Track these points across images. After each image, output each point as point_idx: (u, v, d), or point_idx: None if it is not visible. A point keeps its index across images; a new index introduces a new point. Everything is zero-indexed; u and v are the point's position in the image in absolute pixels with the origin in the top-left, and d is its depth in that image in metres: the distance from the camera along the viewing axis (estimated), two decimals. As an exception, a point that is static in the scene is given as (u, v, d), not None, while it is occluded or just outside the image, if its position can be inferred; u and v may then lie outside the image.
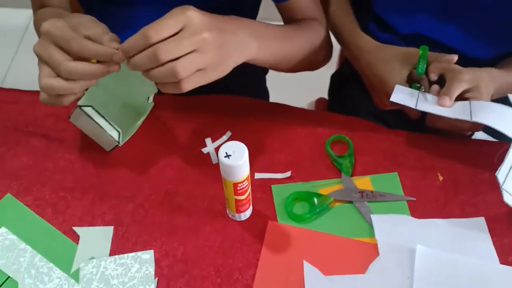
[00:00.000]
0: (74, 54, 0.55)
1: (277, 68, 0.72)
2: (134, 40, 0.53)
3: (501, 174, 0.58)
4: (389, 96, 0.67)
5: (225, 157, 0.52)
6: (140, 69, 0.54)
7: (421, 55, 0.67)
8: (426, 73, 0.68)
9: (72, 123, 0.64)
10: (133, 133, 0.67)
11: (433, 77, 0.67)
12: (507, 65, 0.73)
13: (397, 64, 0.70)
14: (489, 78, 0.67)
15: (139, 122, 0.68)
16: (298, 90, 1.37)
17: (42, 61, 0.57)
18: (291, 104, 0.76)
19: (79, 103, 0.62)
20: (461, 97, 0.65)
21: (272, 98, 1.03)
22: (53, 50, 0.56)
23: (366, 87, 0.79)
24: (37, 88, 0.59)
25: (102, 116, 0.63)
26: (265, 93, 1.01)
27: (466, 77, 0.65)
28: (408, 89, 0.68)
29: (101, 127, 0.63)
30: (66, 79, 0.56)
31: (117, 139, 0.64)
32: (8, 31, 1.93)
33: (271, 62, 0.67)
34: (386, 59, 0.71)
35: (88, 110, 0.62)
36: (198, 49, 0.53)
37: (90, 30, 0.56)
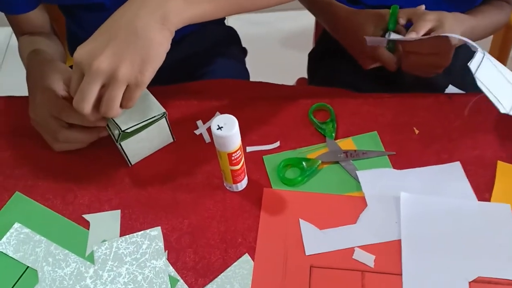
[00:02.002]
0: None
1: (239, 10, 0.61)
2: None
3: (473, 64, 0.63)
4: (368, 55, 0.72)
5: (217, 129, 0.57)
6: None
7: (391, 13, 0.73)
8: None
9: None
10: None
11: (401, 21, 0.72)
12: (473, 12, 0.78)
13: (371, 25, 0.75)
14: (454, 19, 0.71)
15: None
16: (278, 72, 1.42)
17: (40, 128, 0.68)
18: None
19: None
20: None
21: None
22: (48, 119, 0.65)
23: (346, 55, 0.85)
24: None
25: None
26: (245, 74, 1.06)
27: (431, 17, 0.70)
28: (379, 38, 0.74)
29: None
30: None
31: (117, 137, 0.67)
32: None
33: (206, 15, 0.57)
34: (361, 23, 0.76)
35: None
36: (106, 83, 0.53)
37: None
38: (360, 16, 0.78)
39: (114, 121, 0.64)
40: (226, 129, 0.57)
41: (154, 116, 0.65)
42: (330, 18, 0.84)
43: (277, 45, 1.90)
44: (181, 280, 0.60)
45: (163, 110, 0.66)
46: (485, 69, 0.63)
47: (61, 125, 0.66)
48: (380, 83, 0.88)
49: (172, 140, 0.72)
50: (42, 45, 0.78)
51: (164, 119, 0.67)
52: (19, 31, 0.82)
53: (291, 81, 1.34)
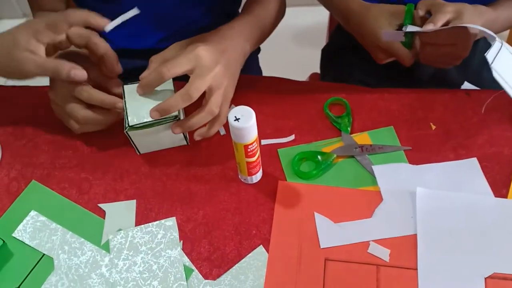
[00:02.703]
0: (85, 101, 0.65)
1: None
2: (150, 78, 0.63)
3: (490, 55, 0.61)
4: (382, 50, 0.72)
5: (235, 120, 0.57)
6: (175, 110, 0.63)
7: (407, 10, 0.72)
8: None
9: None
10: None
11: (420, 13, 0.71)
12: (494, 5, 0.77)
13: (385, 21, 0.74)
14: (475, 11, 0.70)
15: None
16: (290, 67, 1.42)
17: (60, 109, 0.69)
18: None
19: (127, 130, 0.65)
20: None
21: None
22: (68, 99, 0.66)
23: (361, 52, 0.84)
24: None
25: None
26: (258, 71, 1.06)
27: (450, 9, 0.69)
28: (396, 31, 0.72)
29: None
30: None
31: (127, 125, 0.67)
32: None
33: (256, 46, 0.78)
34: (375, 18, 0.75)
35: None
36: (215, 85, 0.63)
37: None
38: (375, 11, 0.77)
39: (126, 111, 0.65)
40: (244, 120, 0.57)
41: (166, 118, 0.65)
42: (343, 11, 0.83)
43: (290, 41, 1.90)
44: (196, 270, 0.61)
45: (176, 113, 0.65)
46: (503, 60, 0.62)
47: (81, 105, 0.66)
48: (394, 80, 0.88)
49: (185, 143, 0.72)
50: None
51: (177, 121, 0.66)
52: (36, 6, 0.82)
53: (303, 76, 1.34)
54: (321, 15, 1.27)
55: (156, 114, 0.63)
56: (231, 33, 0.70)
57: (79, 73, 0.62)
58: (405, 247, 0.60)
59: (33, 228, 0.66)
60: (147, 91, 0.65)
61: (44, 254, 0.64)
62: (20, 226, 0.66)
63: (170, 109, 0.62)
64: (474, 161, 0.67)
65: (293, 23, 1.56)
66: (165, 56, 0.69)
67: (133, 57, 0.86)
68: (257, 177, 0.67)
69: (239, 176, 0.68)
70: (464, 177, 0.65)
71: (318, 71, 1.16)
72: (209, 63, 0.63)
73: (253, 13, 0.77)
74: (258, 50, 1.07)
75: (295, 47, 1.85)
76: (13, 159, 0.72)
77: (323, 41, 1.27)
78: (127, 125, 0.64)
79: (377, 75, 0.91)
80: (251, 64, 1.02)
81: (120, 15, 0.66)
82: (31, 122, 0.76)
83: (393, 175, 0.66)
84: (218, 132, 0.73)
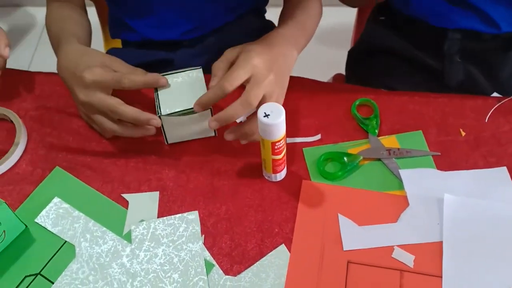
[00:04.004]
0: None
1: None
2: (212, 94, 0.62)
3: None
4: None
5: (264, 116, 0.57)
6: (232, 119, 0.62)
7: None
8: None
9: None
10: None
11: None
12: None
13: None
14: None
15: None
16: (313, 67, 1.41)
17: (87, 118, 0.71)
18: None
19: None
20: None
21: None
22: (100, 119, 0.67)
23: (390, 57, 0.83)
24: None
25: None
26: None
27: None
28: None
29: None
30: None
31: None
32: (27, 29, 2.00)
33: (301, 51, 0.76)
34: None
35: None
36: (268, 93, 0.63)
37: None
38: None
39: (158, 101, 0.65)
40: (273, 117, 0.57)
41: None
42: None
43: (314, 40, 1.89)
44: (217, 265, 0.60)
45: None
46: None
47: (110, 119, 0.67)
48: (422, 87, 0.86)
49: (213, 135, 0.72)
50: (70, 23, 0.78)
51: (209, 111, 0.67)
52: None
53: (327, 76, 1.33)
54: (347, 16, 1.26)
55: (215, 124, 0.62)
56: (279, 41, 0.70)
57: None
58: (430, 254, 0.59)
59: (56, 215, 0.66)
60: (207, 107, 0.64)
61: (65, 241, 0.64)
62: (43, 212, 0.66)
63: (231, 119, 0.62)
64: (503, 170, 0.65)
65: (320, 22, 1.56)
66: (228, 59, 0.67)
67: (156, 48, 0.86)
68: (282, 175, 0.67)
69: (263, 173, 0.67)
70: (493, 185, 0.64)
71: (342, 72, 1.14)
72: (264, 71, 0.63)
73: (297, 19, 0.76)
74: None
75: (319, 47, 1.84)
76: (37, 145, 0.73)
77: (348, 42, 1.26)
78: (159, 115, 0.65)
79: (405, 82, 0.90)
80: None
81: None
82: (56, 109, 0.77)
83: (421, 180, 0.65)
84: (243, 128, 0.73)
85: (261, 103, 0.63)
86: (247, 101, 0.61)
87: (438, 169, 0.66)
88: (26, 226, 0.65)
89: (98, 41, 1.08)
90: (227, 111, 0.62)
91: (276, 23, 1.07)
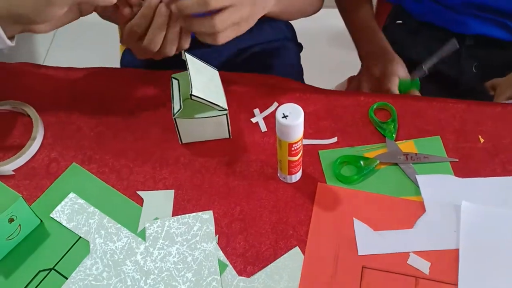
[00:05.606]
0: None
1: (281, 18, 0.78)
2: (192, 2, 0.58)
3: None
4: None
5: (282, 117, 0.56)
6: (185, 13, 0.58)
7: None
8: None
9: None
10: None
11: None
12: None
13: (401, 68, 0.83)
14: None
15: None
16: (328, 68, 1.41)
17: None
18: (323, 84, 0.80)
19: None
20: None
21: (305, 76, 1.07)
22: None
23: (405, 61, 0.83)
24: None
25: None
26: (300, 69, 1.05)
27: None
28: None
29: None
30: None
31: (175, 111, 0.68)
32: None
33: (278, 13, 0.72)
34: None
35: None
36: (235, 4, 0.59)
37: None
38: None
39: (191, 81, 0.64)
40: (292, 118, 0.56)
41: (219, 105, 0.65)
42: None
43: (328, 42, 1.89)
44: (230, 266, 0.60)
45: (225, 107, 0.67)
46: None
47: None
48: (436, 94, 0.86)
49: (228, 137, 0.72)
50: None
51: (225, 116, 0.67)
52: None
53: (341, 78, 1.32)
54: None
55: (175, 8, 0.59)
56: None
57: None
58: (446, 261, 0.59)
59: (71, 210, 0.66)
60: (184, 13, 0.60)
61: (80, 237, 0.64)
62: (59, 207, 0.66)
63: (184, 8, 0.58)
64: (523, 179, 0.64)
65: (332, 24, 1.55)
66: None
67: None
68: (297, 176, 0.66)
69: (278, 174, 0.67)
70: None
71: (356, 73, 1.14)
72: None
73: None
74: (300, 47, 1.06)
75: (333, 49, 1.83)
76: (54, 140, 0.73)
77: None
78: (179, 109, 0.66)
79: (421, 86, 0.89)
80: (293, 62, 1.01)
81: None
82: (74, 104, 0.77)
83: (438, 187, 0.64)
84: (259, 129, 0.73)
85: (224, 15, 0.58)
86: (211, 22, 0.58)
87: (456, 175, 0.65)
88: (41, 221, 0.65)
89: (115, 40, 1.08)
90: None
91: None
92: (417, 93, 0.82)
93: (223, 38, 0.61)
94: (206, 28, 0.60)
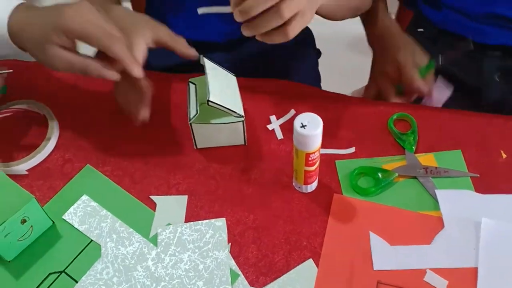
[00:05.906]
0: None
1: (332, 18, 0.76)
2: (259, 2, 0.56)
3: None
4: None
5: (301, 127, 0.55)
6: (251, 14, 0.56)
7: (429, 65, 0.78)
8: None
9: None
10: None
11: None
12: None
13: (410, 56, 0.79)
14: None
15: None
16: (345, 75, 1.39)
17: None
18: (340, 91, 0.79)
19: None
20: None
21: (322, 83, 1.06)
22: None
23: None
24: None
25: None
26: (317, 76, 1.04)
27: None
28: None
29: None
30: None
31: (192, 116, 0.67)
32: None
33: (330, 10, 0.71)
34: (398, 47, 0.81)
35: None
36: (301, 10, 0.57)
37: None
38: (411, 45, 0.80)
39: (208, 86, 0.63)
40: (310, 128, 0.55)
41: (235, 112, 0.65)
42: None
43: (347, 48, 1.87)
44: (242, 276, 0.59)
45: (242, 113, 0.66)
46: None
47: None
48: (457, 105, 0.84)
49: (243, 143, 0.71)
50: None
51: (241, 123, 0.67)
52: None
53: (359, 84, 1.31)
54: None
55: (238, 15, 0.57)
56: None
57: (108, 74, 0.62)
58: (464, 280, 0.57)
59: (84, 213, 0.65)
60: (250, 14, 0.57)
61: (92, 240, 0.63)
62: (71, 209, 0.66)
63: (250, 11, 0.56)
64: (546, 197, 0.62)
65: (351, 29, 1.53)
66: None
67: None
68: (312, 186, 0.65)
69: (293, 183, 0.66)
70: (535, 212, 0.61)
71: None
72: None
73: None
74: (319, 54, 1.05)
75: (353, 55, 1.81)
76: (68, 141, 0.73)
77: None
78: (195, 114, 0.66)
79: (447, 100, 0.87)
80: (311, 68, 1.00)
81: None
82: (90, 106, 0.77)
83: (458, 202, 0.63)
84: (275, 136, 0.72)
85: (291, 19, 0.57)
86: (278, 12, 0.55)
87: (476, 191, 0.64)
88: (53, 222, 0.64)
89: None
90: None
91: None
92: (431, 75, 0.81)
93: (292, 30, 0.58)
94: (274, 20, 0.56)
